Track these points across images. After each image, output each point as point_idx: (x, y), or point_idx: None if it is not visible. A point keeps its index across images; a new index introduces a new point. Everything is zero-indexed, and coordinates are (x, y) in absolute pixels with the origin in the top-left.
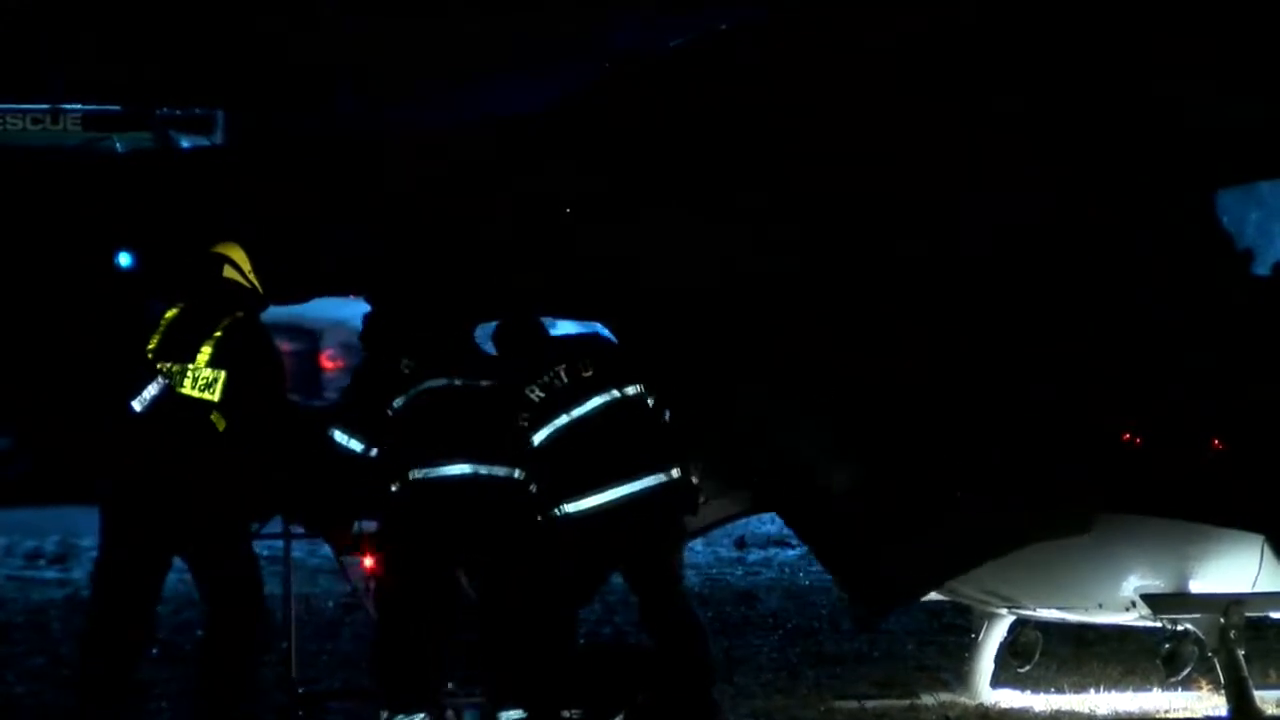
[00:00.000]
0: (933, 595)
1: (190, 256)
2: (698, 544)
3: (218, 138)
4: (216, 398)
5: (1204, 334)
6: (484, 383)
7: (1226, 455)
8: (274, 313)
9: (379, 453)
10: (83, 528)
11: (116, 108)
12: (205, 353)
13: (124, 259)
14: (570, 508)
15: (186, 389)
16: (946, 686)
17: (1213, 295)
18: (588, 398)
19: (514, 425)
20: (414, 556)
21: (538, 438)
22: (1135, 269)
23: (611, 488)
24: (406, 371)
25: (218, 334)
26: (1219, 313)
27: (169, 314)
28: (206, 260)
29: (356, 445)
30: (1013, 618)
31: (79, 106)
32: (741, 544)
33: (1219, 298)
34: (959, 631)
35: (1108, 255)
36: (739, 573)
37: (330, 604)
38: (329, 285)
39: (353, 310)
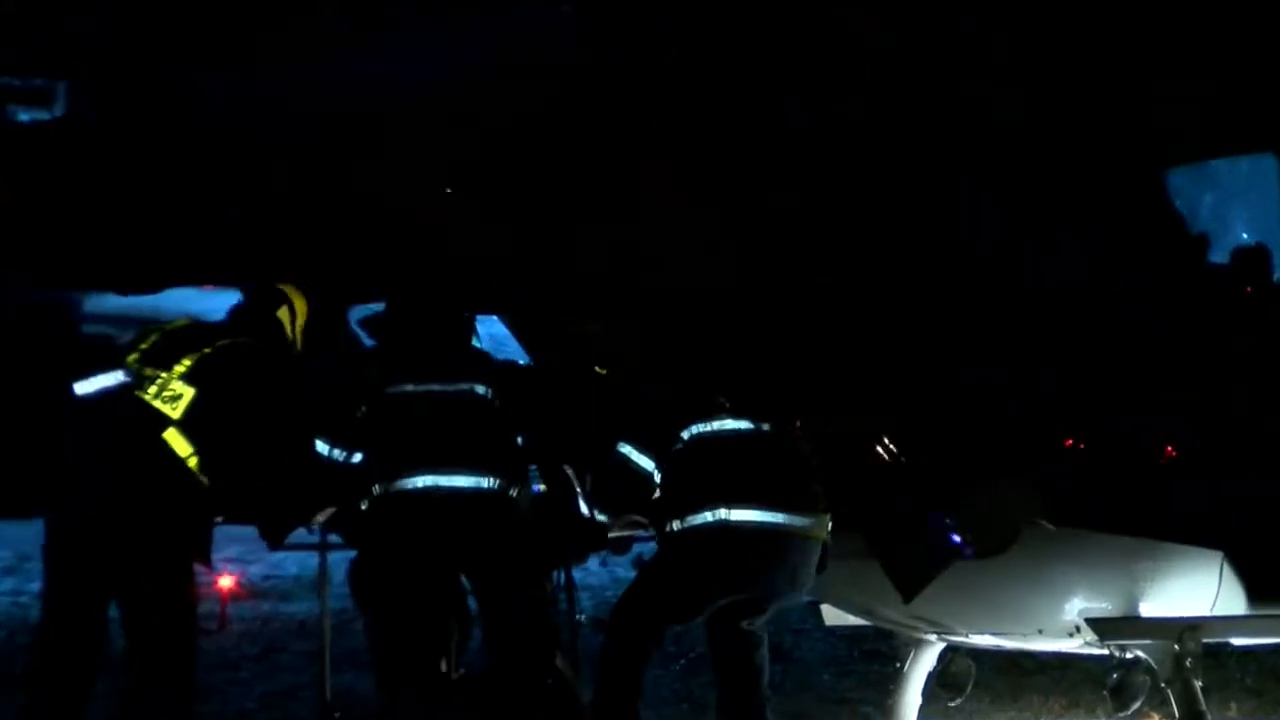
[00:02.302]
0: (851, 619)
1: (253, 283)
2: (593, 563)
3: (59, 110)
4: (177, 415)
5: (1157, 329)
6: (460, 387)
7: (1181, 464)
8: (123, 303)
9: (357, 461)
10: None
11: None
12: (184, 365)
13: None
14: (734, 516)
15: (148, 395)
16: None
17: (1168, 287)
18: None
19: (496, 431)
20: (384, 573)
21: (692, 430)
22: (1086, 260)
23: (769, 510)
24: (373, 376)
25: (206, 350)
26: (1173, 306)
27: (175, 323)
28: (266, 291)
29: (339, 454)
30: (942, 645)
31: None
32: (640, 565)
33: (1174, 290)
34: (882, 660)
35: (1059, 248)
36: None
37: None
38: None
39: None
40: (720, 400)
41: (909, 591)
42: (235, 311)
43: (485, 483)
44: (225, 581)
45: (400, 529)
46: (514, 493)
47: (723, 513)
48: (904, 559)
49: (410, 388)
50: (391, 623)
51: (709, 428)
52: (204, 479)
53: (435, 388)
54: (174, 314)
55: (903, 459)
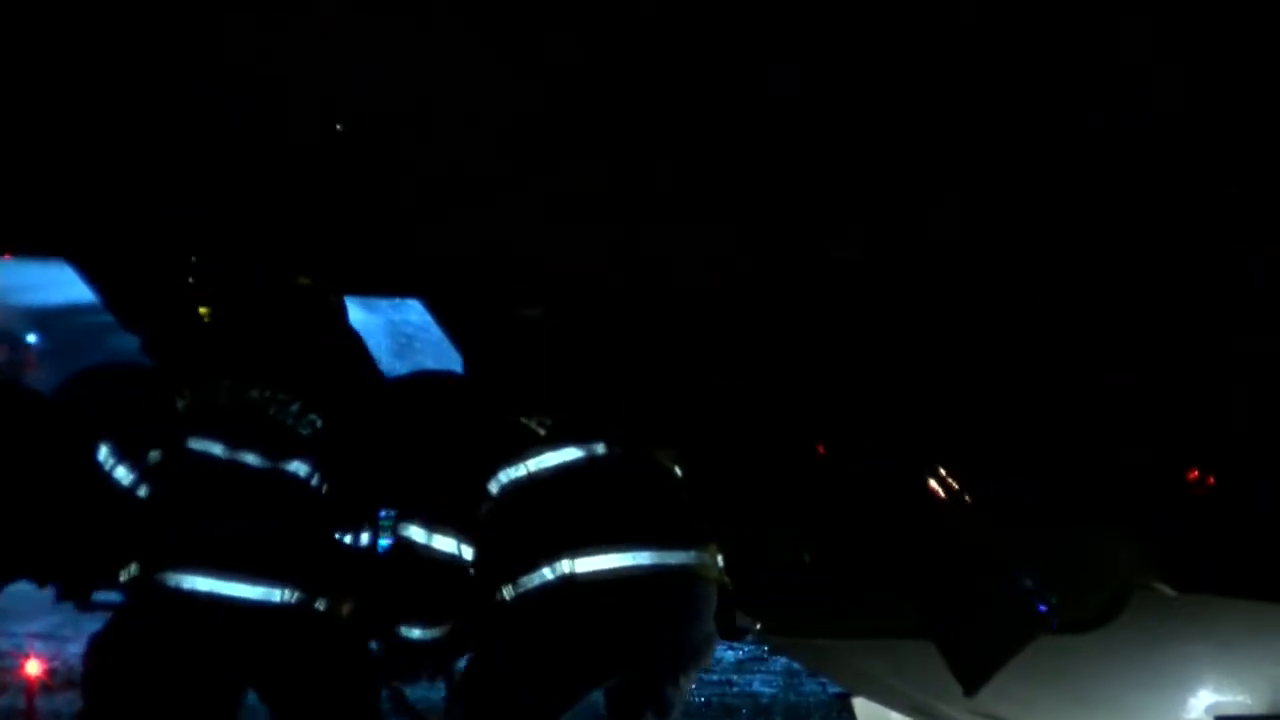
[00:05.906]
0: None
1: None
2: None
3: None
4: None
5: None
6: (277, 462)
7: None
8: None
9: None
10: None
11: None
12: None
13: None
14: (580, 566)
15: None
16: None
17: None
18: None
19: (317, 530)
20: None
21: (501, 480)
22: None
23: (628, 550)
24: (180, 405)
25: None
26: None
27: None
28: None
29: (123, 474)
30: None
31: None
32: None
33: None
34: None
35: None
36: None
37: None
38: None
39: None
40: (533, 426)
41: (973, 680)
42: None
43: (319, 603)
44: (33, 667)
45: (165, 638)
46: (321, 605)
47: (564, 565)
48: (967, 636)
49: (218, 450)
50: None
51: (522, 472)
52: None
53: (249, 460)
54: None
55: (963, 497)
